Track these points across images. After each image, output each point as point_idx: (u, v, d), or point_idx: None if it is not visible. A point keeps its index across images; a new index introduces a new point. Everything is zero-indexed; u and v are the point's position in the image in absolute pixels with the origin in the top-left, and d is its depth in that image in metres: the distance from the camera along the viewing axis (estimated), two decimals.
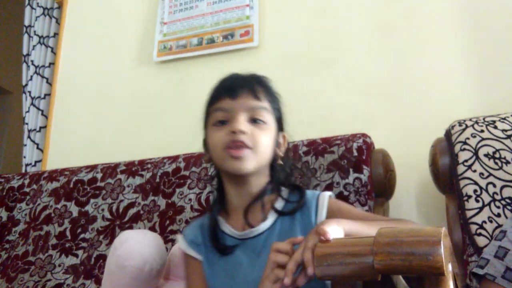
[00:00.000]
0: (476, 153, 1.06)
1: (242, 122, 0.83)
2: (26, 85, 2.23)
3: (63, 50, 2.11)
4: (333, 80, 1.53)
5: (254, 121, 0.86)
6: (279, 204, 0.88)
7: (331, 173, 1.13)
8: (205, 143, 0.94)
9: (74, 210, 1.44)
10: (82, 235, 1.39)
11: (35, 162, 2.07)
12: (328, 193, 0.88)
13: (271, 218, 0.86)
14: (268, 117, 0.87)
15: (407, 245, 0.52)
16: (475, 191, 1.02)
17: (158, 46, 1.85)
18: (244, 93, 0.86)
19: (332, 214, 0.83)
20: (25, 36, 2.34)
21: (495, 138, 1.06)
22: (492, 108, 1.22)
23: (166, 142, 1.71)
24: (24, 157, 2.12)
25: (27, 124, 2.15)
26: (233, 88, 0.87)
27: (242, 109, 0.85)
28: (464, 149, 1.07)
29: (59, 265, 1.35)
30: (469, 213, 1.01)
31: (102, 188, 1.45)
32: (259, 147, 0.84)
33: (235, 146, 0.82)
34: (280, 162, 0.91)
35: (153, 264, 0.97)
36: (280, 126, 0.92)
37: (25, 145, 2.13)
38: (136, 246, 0.97)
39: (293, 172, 0.97)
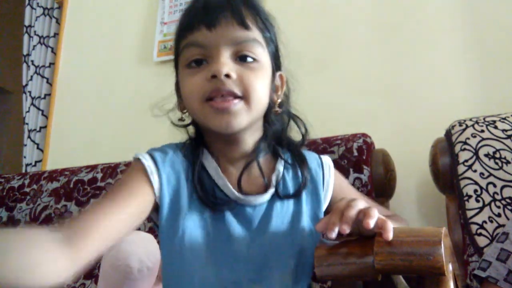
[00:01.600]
0: (476, 153, 1.06)
1: (225, 62, 0.62)
2: (26, 85, 2.23)
3: (63, 50, 2.11)
4: (333, 80, 1.53)
5: (242, 58, 0.64)
6: (278, 174, 0.71)
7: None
8: (178, 87, 0.75)
9: (75, 210, 1.44)
10: None
11: (35, 162, 2.07)
12: (329, 159, 0.74)
13: (272, 187, 0.70)
14: (261, 52, 0.66)
15: (408, 245, 0.52)
16: (475, 191, 1.02)
17: (158, 46, 1.84)
18: (225, 19, 0.63)
19: (335, 191, 0.72)
20: (25, 36, 2.33)
21: (495, 138, 1.06)
22: (492, 108, 1.22)
23: (166, 142, 1.70)
24: (24, 157, 2.12)
25: (27, 124, 2.15)
26: (210, 11, 0.63)
27: (224, 43, 0.63)
28: (465, 149, 1.07)
29: None
30: (469, 213, 1.01)
31: (102, 188, 1.45)
32: (252, 95, 0.63)
33: (219, 97, 0.62)
34: (277, 109, 0.71)
35: (147, 264, 0.97)
36: (276, 63, 0.73)
37: (25, 145, 2.13)
38: (129, 246, 0.97)
39: (288, 122, 0.76)
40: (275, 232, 0.68)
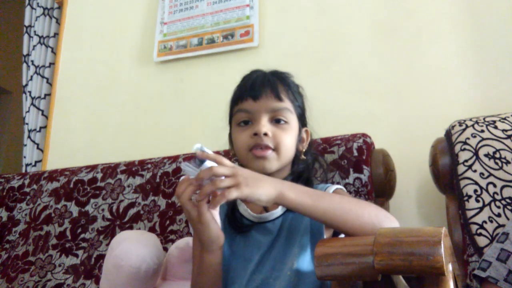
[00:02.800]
0: (476, 153, 1.06)
1: (264, 125, 0.86)
2: (26, 85, 2.23)
3: (63, 50, 2.11)
4: (333, 80, 1.53)
5: (276, 121, 0.87)
6: None
7: (331, 173, 1.13)
8: (230, 138, 0.96)
9: (74, 210, 1.44)
10: (82, 235, 1.39)
11: (35, 162, 2.07)
12: (336, 186, 0.89)
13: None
14: (290, 117, 0.89)
15: (407, 245, 0.52)
16: (475, 191, 1.02)
17: (158, 46, 1.84)
18: (266, 94, 0.87)
19: None
20: (25, 36, 2.34)
21: (495, 138, 1.06)
22: (492, 108, 1.22)
23: (166, 142, 1.71)
24: (24, 157, 2.12)
25: (27, 124, 2.15)
26: (255, 88, 0.88)
27: (264, 111, 0.87)
28: (464, 149, 1.07)
29: (59, 265, 1.35)
30: (469, 213, 1.01)
31: (102, 188, 1.45)
32: (282, 148, 0.86)
33: (258, 148, 0.85)
34: (303, 157, 0.93)
35: (150, 263, 0.97)
36: (303, 122, 0.94)
37: (25, 145, 2.14)
38: (132, 246, 0.97)
39: (313, 164, 0.98)
40: (289, 235, 0.84)
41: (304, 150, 0.94)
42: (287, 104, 0.89)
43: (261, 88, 0.88)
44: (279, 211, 0.88)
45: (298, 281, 0.78)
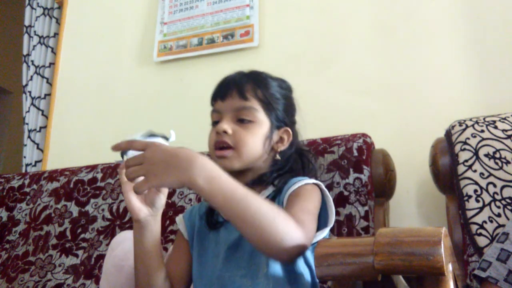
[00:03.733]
0: (476, 153, 1.06)
1: (225, 123, 0.88)
2: (26, 85, 2.23)
3: (63, 50, 2.11)
4: (333, 80, 1.53)
5: (240, 120, 0.89)
6: (266, 192, 0.89)
7: (331, 173, 1.13)
8: None
9: (74, 210, 1.44)
10: (82, 235, 1.39)
11: (35, 162, 2.07)
12: (308, 181, 0.86)
13: None
14: (255, 116, 0.89)
15: (407, 245, 0.52)
16: (475, 191, 1.02)
17: (158, 46, 1.85)
18: (231, 94, 0.90)
19: (290, 198, 0.83)
20: (25, 36, 2.34)
21: (495, 138, 1.06)
22: (492, 108, 1.22)
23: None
24: (24, 157, 2.12)
25: (27, 124, 2.15)
26: (222, 89, 0.91)
27: (229, 110, 0.89)
28: (465, 149, 1.07)
29: (59, 265, 1.35)
30: (469, 213, 1.01)
31: (102, 188, 1.45)
32: (242, 147, 0.87)
33: (218, 147, 0.88)
34: (278, 157, 0.92)
35: None
36: (283, 122, 0.93)
37: (25, 145, 2.14)
38: (132, 246, 0.97)
39: (302, 162, 0.96)
40: None
41: (279, 150, 0.92)
42: (252, 103, 0.89)
43: (227, 89, 0.90)
44: None
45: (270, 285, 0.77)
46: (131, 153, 0.72)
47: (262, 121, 0.90)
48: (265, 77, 0.94)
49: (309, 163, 0.97)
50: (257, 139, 0.89)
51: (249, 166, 0.89)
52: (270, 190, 0.90)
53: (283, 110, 0.93)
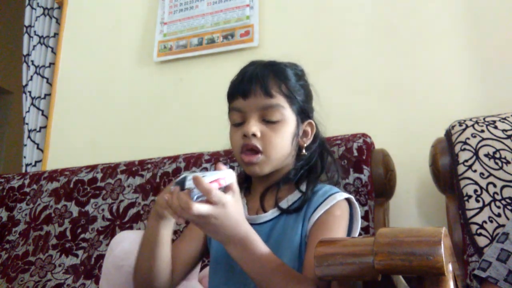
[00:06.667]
0: (476, 153, 1.06)
1: (253, 125, 0.82)
2: (26, 85, 2.23)
3: (63, 50, 2.11)
4: (333, 80, 1.53)
5: (268, 120, 0.84)
6: (292, 197, 0.85)
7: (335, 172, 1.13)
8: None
9: (74, 210, 1.44)
10: (82, 235, 1.39)
11: (35, 162, 2.07)
12: (343, 195, 0.82)
13: (278, 209, 0.85)
14: (283, 114, 0.84)
15: (407, 245, 0.52)
16: (475, 191, 1.02)
17: (158, 46, 1.84)
18: (255, 91, 0.83)
19: (316, 227, 0.79)
20: (25, 36, 2.34)
21: (495, 138, 1.06)
22: (492, 108, 1.22)
23: (166, 142, 1.71)
24: (24, 157, 2.12)
25: (27, 124, 2.15)
26: (244, 85, 0.84)
27: (254, 110, 0.83)
28: (465, 149, 1.07)
29: (59, 265, 1.35)
30: (469, 213, 1.01)
31: (102, 188, 1.45)
32: (271, 150, 0.83)
33: (246, 151, 0.83)
34: (304, 152, 0.89)
35: None
36: (306, 115, 0.90)
37: (25, 145, 2.14)
38: (132, 246, 0.97)
39: (321, 158, 0.92)
40: (276, 243, 0.80)
41: (306, 144, 0.89)
42: (278, 100, 0.84)
43: (249, 85, 0.83)
44: (268, 215, 0.85)
45: None
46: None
47: (289, 118, 0.85)
48: (284, 68, 0.89)
49: (333, 160, 0.93)
50: (286, 140, 0.85)
51: (278, 167, 0.86)
52: (296, 195, 0.86)
53: (304, 100, 0.89)
